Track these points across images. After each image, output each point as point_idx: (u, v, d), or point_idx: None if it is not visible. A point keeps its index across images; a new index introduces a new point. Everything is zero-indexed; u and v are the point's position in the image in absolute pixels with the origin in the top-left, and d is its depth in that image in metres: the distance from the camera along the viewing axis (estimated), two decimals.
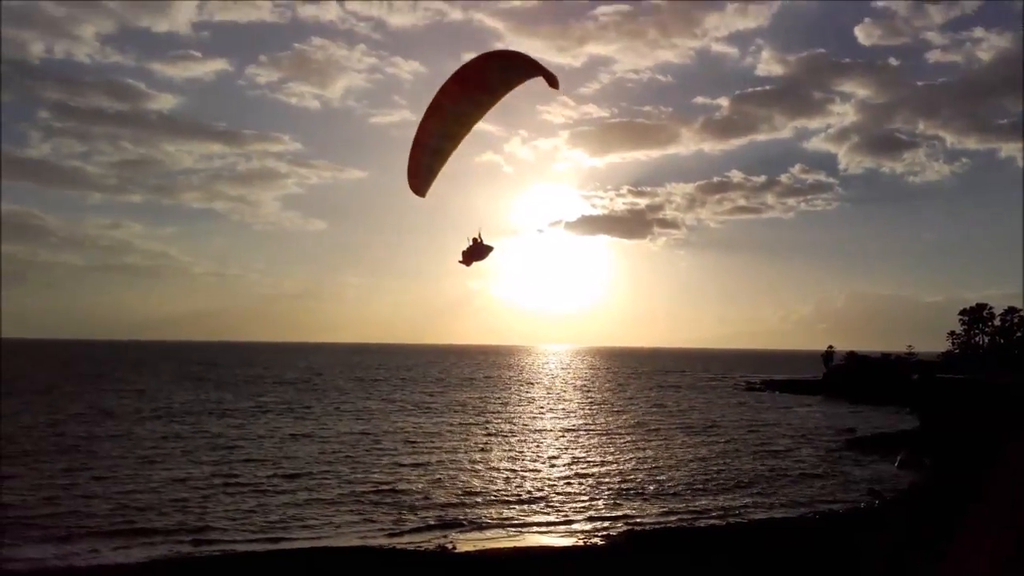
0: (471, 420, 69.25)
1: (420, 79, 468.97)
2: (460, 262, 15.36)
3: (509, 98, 12.78)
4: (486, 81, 12.50)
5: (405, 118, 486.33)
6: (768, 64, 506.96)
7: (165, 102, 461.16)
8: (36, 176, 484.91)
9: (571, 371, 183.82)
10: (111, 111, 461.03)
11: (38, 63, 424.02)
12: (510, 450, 51.77)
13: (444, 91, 12.45)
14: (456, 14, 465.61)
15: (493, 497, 36.75)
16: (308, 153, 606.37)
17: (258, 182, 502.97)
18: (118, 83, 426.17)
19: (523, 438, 57.97)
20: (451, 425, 64.60)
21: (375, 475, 41.20)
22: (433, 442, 54.06)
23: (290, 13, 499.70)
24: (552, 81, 11.76)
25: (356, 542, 27.86)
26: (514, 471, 43.68)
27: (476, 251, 15.14)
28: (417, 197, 13.66)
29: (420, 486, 38.55)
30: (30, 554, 25.49)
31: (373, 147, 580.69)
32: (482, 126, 13.24)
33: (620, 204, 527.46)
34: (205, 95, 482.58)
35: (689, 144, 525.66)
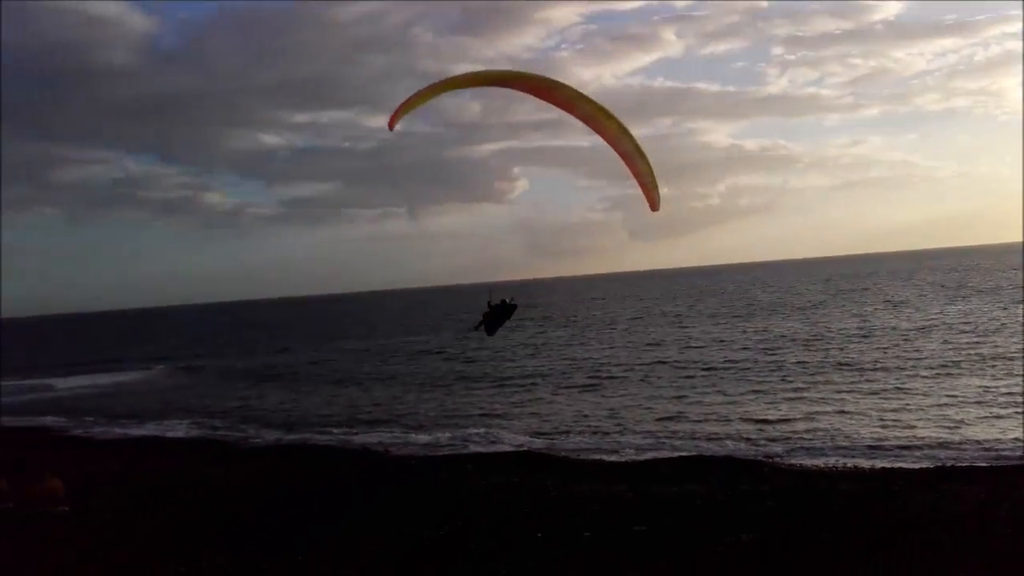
0: None
1: None
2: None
3: None
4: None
5: None
6: None
7: (889, 10, 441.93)
8: (777, 110, 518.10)
9: None
10: (838, 32, 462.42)
11: (766, 6, 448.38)
12: None
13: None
14: None
15: None
16: None
17: (999, 69, 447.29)
18: (840, 3, 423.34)
19: None
20: None
21: None
22: None
23: None
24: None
25: None
26: None
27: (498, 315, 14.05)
28: None
29: None
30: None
31: None
32: None
33: None
34: None
35: None
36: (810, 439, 31.24)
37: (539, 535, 19.23)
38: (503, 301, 14.58)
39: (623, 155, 13.53)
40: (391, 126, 13.47)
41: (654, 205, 13.87)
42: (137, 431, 43.18)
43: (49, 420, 48.98)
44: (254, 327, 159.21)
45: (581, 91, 13.29)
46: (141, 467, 29.95)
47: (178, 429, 43.34)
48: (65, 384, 70.12)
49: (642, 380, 49.06)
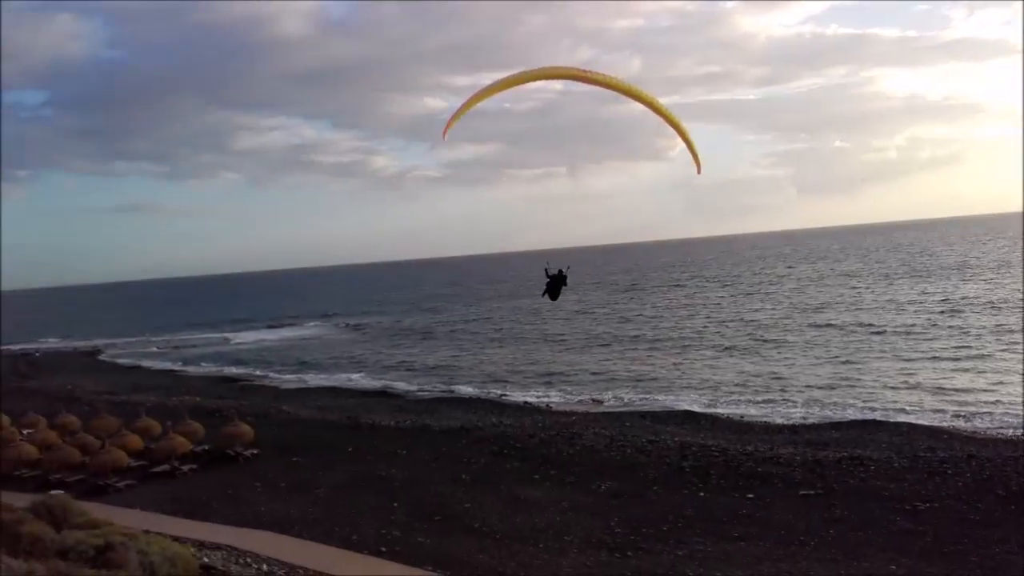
0: None
1: None
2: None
3: None
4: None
5: None
6: None
7: None
8: (963, 55, 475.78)
9: None
10: None
11: None
12: None
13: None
14: None
15: None
16: None
17: None
18: None
19: None
20: None
21: None
22: None
23: None
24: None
25: None
26: None
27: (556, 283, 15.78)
28: None
29: None
30: None
31: None
32: None
33: None
34: None
35: None
36: (996, 407, 29.25)
37: (702, 494, 19.21)
38: (559, 271, 16.10)
39: (671, 125, 14.91)
40: (444, 135, 14.62)
41: (699, 169, 15.22)
42: (314, 381, 46.11)
43: (235, 371, 53.10)
44: (415, 285, 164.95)
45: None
46: (322, 413, 32.03)
47: (353, 380, 45.94)
48: (245, 339, 75.57)
49: (808, 343, 47.34)
